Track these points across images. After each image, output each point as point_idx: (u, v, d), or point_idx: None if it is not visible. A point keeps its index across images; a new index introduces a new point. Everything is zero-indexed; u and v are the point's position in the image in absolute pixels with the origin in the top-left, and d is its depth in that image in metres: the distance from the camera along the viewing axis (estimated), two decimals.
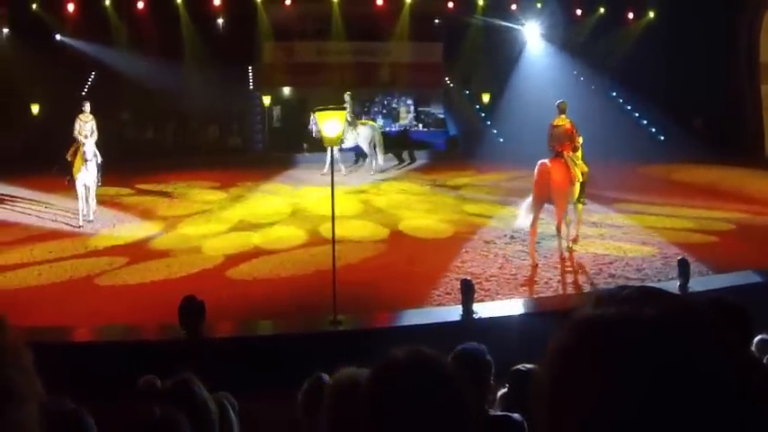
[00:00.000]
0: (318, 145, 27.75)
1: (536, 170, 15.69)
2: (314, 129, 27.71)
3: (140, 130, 33.25)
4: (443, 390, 2.26)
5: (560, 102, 16.62)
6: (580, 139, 16.30)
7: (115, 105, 30.97)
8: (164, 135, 33.60)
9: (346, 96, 26.60)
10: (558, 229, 15.95)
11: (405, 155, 31.36)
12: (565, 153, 15.91)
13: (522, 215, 16.34)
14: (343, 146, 26.84)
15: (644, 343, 1.18)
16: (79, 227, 18.63)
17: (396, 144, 31.62)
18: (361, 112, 34.99)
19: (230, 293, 13.71)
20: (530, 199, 15.98)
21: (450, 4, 33.71)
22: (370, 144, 26.87)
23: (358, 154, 29.02)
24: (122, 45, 31.52)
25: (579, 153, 16.33)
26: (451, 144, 34.07)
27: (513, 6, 34.18)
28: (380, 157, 27.80)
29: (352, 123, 27.02)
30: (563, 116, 16.32)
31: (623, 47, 32.60)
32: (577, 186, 16.08)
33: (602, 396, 1.17)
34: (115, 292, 14.13)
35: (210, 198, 23.48)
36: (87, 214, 19.03)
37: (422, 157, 31.71)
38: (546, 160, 15.71)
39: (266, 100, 32.67)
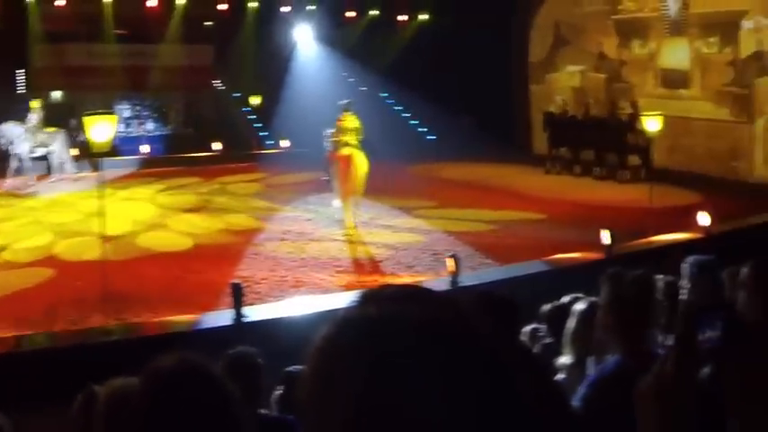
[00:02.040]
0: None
1: (339, 160, 18.09)
2: (2, 141, 25.82)
3: None
4: (212, 395, 2.36)
5: (347, 101, 18.69)
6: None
7: None
8: None
9: (36, 103, 25.84)
10: (346, 205, 17.98)
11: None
12: (355, 143, 18.00)
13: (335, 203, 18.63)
14: (33, 155, 25.80)
15: (402, 343, 1.18)
16: None
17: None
18: (125, 119, 33.72)
19: None
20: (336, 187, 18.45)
21: (223, 7, 33.35)
22: (66, 150, 25.54)
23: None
24: None
25: None
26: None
27: (286, 9, 34.20)
28: (70, 164, 26.14)
29: (41, 130, 25.92)
30: (349, 113, 18.32)
31: (395, 48, 33.12)
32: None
33: (354, 396, 1.18)
34: None
35: None
36: None
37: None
38: (343, 151, 17.90)
39: (34, 104, 31.47)
